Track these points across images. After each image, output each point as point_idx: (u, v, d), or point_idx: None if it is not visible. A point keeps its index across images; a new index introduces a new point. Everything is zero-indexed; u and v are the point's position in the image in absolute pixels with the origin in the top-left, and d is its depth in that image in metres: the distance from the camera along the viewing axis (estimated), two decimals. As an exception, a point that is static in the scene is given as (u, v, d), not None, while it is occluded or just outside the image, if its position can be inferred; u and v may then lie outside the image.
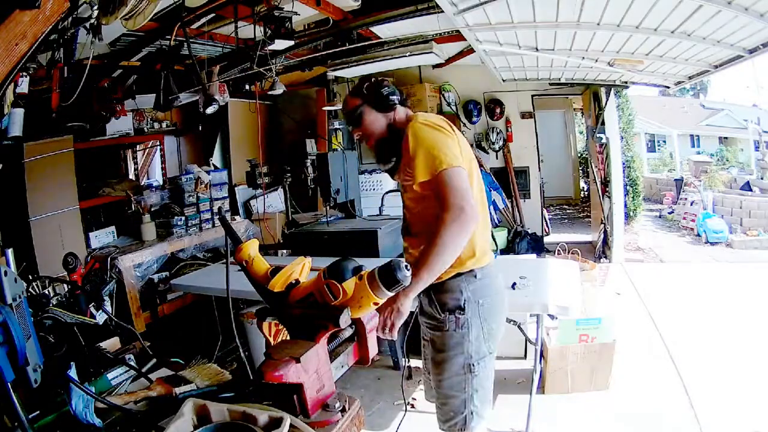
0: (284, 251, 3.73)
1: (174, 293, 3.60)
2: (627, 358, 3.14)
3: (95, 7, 1.68)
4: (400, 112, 1.66)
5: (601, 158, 5.92)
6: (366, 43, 3.84)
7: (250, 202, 5.05)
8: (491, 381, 1.65)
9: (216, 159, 5.27)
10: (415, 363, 2.99)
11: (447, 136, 1.49)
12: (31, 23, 1.28)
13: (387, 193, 3.88)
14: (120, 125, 4.12)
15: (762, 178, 10.45)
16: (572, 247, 5.29)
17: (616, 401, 2.77)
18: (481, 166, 3.30)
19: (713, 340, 3.53)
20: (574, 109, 9.99)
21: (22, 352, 0.77)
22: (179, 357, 1.33)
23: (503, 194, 6.05)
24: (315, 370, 0.95)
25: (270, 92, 3.59)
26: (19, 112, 1.88)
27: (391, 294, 0.93)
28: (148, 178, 5.43)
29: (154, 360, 1.31)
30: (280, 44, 2.84)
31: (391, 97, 1.62)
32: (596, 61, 4.08)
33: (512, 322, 2.47)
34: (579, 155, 10.24)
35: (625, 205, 6.67)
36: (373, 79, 1.68)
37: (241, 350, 1.58)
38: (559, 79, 5.44)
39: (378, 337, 1.22)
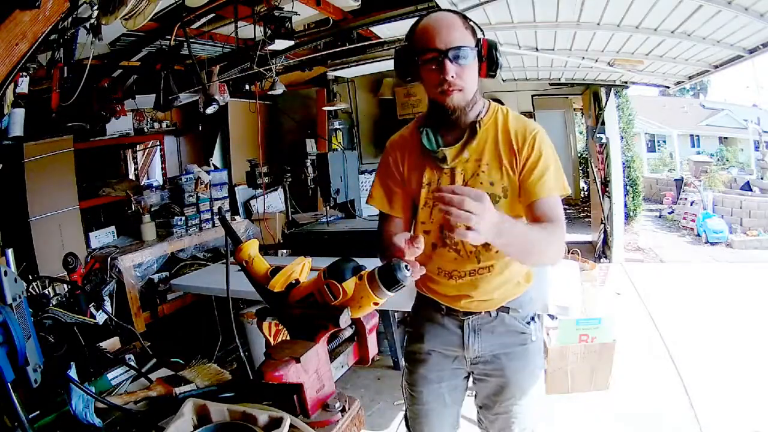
0: (284, 251, 3.73)
1: (174, 293, 3.60)
2: (627, 358, 3.14)
3: (95, 7, 1.68)
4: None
5: (601, 158, 5.92)
6: (366, 43, 3.84)
7: (250, 202, 5.05)
8: None
9: (216, 159, 5.27)
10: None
11: None
12: (31, 23, 1.28)
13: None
14: (120, 125, 4.12)
15: (762, 178, 10.45)
16: (572, 247, 5.28)
17: (616, 401, 2.77)
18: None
19: (713, 340, 3.53)
20: (574, 109, 9.98)
21: (22, 352, 0.77)
22: (179, 357, 1.33)
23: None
24: (315, 370, 0.95)
25: (270, 92, 3.60)
26: (19, 112, 1.88)
27: (391, 294, 0.93)
28: (148, 178, 5.43)
29: (154, 360, 1.31)
30: (280, 44, 2.84)
31: (501, 64, 1.25)
32: (596, 61, 4.08)
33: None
34: (579, 155, 10.24)
35: (625, 205, 6.67)
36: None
37: (241, 350, 1.58)
38: (559, 79, 5.45)
39: (377, 336, 1.20)
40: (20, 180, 3.08)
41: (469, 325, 1.36)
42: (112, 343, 1.40)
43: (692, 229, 7.65)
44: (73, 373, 0.96)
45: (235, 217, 4.77)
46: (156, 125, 4.76)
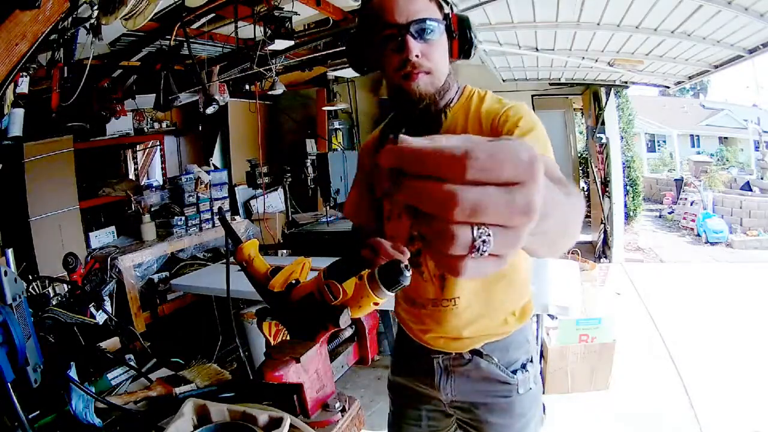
0: (284, 251, 3.73)
1: (174, 293, 3.60)
2: (627, 358, 3.14)
3: (95, 7, 1.68)
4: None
5: (601, 158, 5.92)
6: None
7: (250, 202, 5.05)
8: None
9: (216, 159, 5.27)
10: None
11: None
12: (31, 23, 1.28)
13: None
14: (120, 125, 4.12)
15: (762, 178, 10.45)
16: (572, 247, 5.28)
17: (616, 401, 2.77)
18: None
19: (713, 340, 3.53)
20: (574, 109, 9.97)
21: (22, 352, 0.77)
22: (179, 357, 1.33)
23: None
24: (315, 370, 0.95)
25: (270, 92, 3.60)
26: (19, 112, 1.88)
27: (391, 294, 0.92)
28: (148, 178, 5.42)
29: (154, 360, 1.30)
30: (280, 44, 2.84)
31: (475, 44, 1.03)
32: (596, 61, 4.08)
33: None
34: (579, 155, 10.23)
35: (625, 205, 6.67)
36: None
37: (241, 350, 1.58)
38: (559, 79, 5.45)
39: (377, 336, 1.20)
40: (20, 180, 3.08)
41: (439, 364, 1.10)
42: (112, 343, 1.40)
43: (692, 229, 7.65)
44: (73, 373, 0.96)
45: (235, 217, 4.77)
46: (156, 125, 4.76)
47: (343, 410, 0.97)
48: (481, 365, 1.07)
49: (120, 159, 5.02)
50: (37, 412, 0.96)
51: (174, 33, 2.80)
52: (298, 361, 0.90)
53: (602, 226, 5.91)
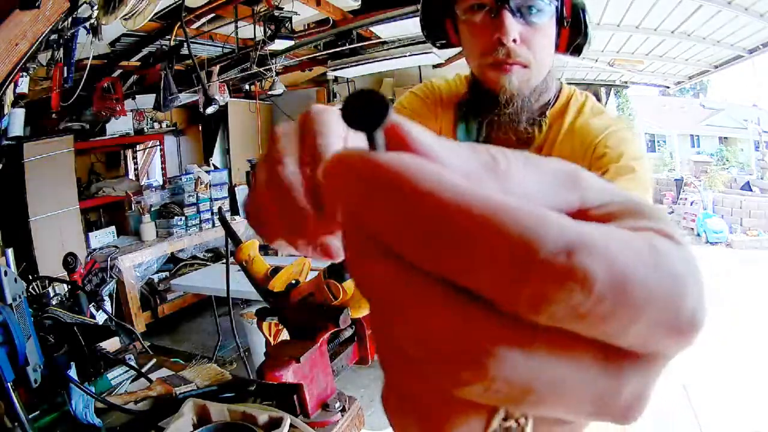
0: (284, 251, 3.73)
1: (174, 293, 3.61)
2: (627, 358, 3.14)
3: (95, 7, 1.68)
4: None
5: (601, 158, 5.92)
6: (366, 43, 3.84)
7: (250, 202, 5.05)
8: None
9: (216, 159, 5.27)
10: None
11: None
12: (31, 23, 1.28)
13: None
14: (120, 125, 4.12)
15: (762, 178, 10.45)
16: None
17: (616, 401, 2.77)
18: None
19: (713, 340, 3.53)
20: (574, 109, 9.98)
21: (22, 352, 0.77)
22: (179, 357, 1.33)
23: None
24: (315, 370, 0.95)
25: (270, 92, 3.60)
26: (19, 112, 1.89)
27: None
28: (148, 178, 5.42)
29: (154, 360, 1.31)
30: (280, 44, 2.84)
31: (591, 38, 0.81)
32: (596, 61, 4.08)
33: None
34: (579, 155, 10.24)
35: (625, 205, 6.66)
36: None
37: (241, 350, 1.58)
38: (559, 79, 5.45)
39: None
40: (20, 180, 3.08)
41: None
42: (112, 343, 1.40)
43: (692, 229, 7.65)
44: (73, 373, 0.96)
45: (235, 217, 4.76)
46: (156, 125, 4.76)
47: (343, 410, 0.97)
48: None
49: (120, 159, 5.02)
50: (37, 412, 0.96)
51: (174, 33, 2.80)
52: (298, 361, 0.90)
53: (602, 226, 5.91)
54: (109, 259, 3.33)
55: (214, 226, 4.14)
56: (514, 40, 0.69)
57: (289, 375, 0.89)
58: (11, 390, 0.76)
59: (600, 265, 0.11)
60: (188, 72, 3.50)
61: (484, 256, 0.12)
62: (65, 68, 2.22)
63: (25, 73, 1.80)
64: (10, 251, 1.31)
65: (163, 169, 4.98)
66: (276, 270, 1.11)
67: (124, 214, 4.03)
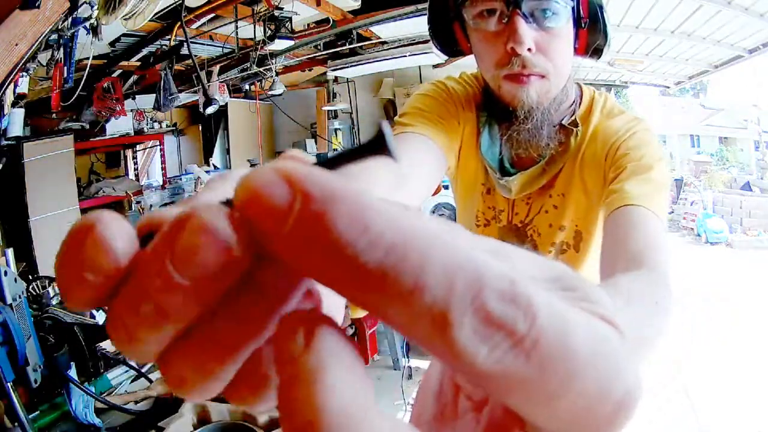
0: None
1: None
2: (627, 358, 3.14)
3: (95, 7, 1.68)
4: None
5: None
6: (366, 43, 3.84)
7: (250, 202, 5.05)
8: None
9: (216, 159, 5.27)
10: (415, 363, 2.99)
11: None
12: (31, 23, 1.28)
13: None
14: (120, 125, 4.12)
15: (762, 178, 10.46)
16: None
17: (616, 401, 2.77)
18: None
19: (713, 340, 3.53)
20: (574, 109, 9.99)
21: (22, 352, 0.77)
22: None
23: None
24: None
25: (270, 92, 3.60)
26: (19, 112, 1.88)
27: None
28: (148, 178, 5.42)
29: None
30: (280, 44, 2.84)
31: (610, 39, 0.73)
32: (596, 60, 4.08)
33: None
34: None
35: (625, 205, 6.66)
36: None
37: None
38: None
39: (377, 336, 1.20)
40: (20, 180, 3.08)
41: None
42: (112, 343, 1.40)
43: (692, 229, 7.65)
44: (73, 373, 0.96)
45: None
46: (156, 125, 4.76)
47: (343, 410, 0.97)
48: None
49: (120, 159, 5.02)
50: (37, 412, 0.96)
51: (174, 33, 2.80)
52: (298, 361, 0.91)
53: (602, 226, 5.91)
54: (109, 259, 3.33)
55: (214, 226, 4.14)
56: (529, 50, 0.63)
57: (289, 375, 0.89)
58: (11, 390, 0.76)
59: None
60: (188, 72, 3.50)
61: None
62: (65, 68, 2.22)
63: (25, 73, 1.80)
64: (10, 251, 1.31)
65: (163, 169, 4.98)
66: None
67: (125, 214, 4.03)
